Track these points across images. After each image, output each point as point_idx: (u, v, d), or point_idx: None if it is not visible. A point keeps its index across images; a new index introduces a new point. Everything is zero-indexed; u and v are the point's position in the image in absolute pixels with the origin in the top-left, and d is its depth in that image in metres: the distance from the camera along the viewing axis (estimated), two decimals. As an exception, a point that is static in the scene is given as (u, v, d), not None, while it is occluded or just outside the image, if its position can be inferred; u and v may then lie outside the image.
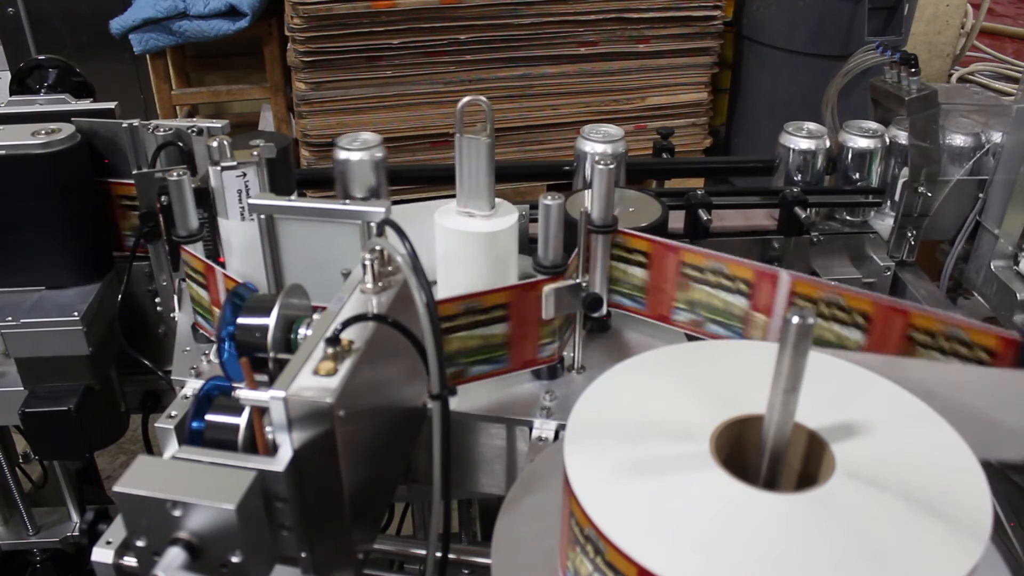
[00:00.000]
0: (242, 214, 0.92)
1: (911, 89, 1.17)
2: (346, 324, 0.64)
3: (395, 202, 0.86)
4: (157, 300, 1.14)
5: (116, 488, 0.56)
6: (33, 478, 1.43)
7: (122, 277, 1.14)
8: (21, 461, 1.37)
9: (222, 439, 0.64)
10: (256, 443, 0.64)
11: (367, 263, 0.68)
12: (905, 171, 1.18)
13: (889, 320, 0.81)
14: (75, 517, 1.33)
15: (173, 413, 0.88)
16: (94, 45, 2.86)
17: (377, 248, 0.69)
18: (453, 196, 0.89)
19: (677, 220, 1.12)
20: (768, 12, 2.55)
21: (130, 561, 0.76)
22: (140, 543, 0.57)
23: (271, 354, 0.67)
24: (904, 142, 1.22)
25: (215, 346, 0.95)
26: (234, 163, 0.90)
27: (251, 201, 0.84)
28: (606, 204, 0.90)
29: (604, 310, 0.95)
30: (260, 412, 0.63)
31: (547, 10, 2.34)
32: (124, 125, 1.12)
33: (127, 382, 1.25)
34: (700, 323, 0.92)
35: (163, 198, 0.99)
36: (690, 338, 0.95)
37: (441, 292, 0.88)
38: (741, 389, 0.65)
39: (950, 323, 0.78)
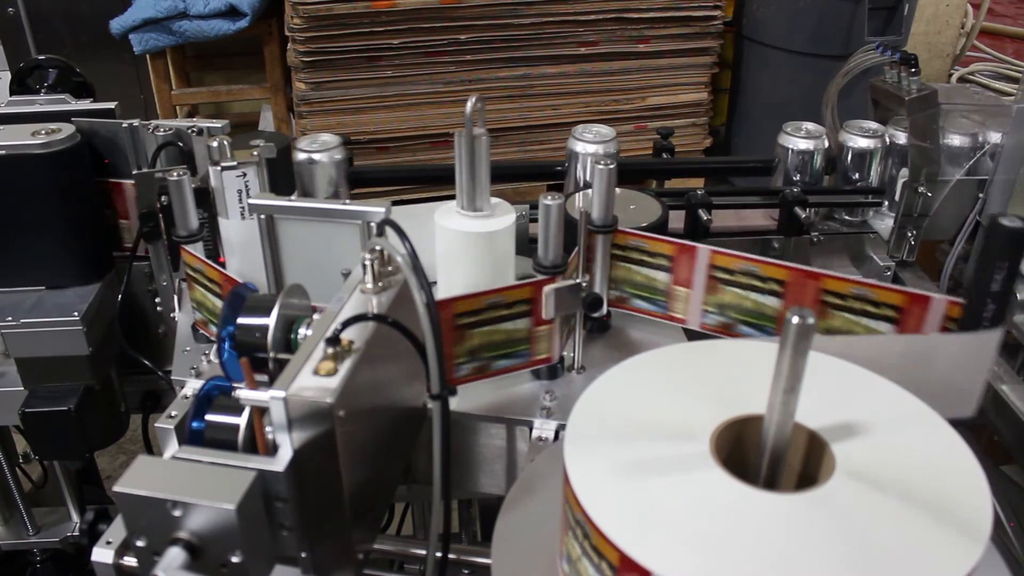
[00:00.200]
0: (242, 214, 0.92)
1: (911, 89, 1.17)
2: (346, 324, 0.64)
3: (395, 202, 0.86)
4: (157, 300, 1.14)
5: (116, 488, 0.56)
6: (33, 478, 1.43)
7: (122, 277, 1.14)
8: (21, 461, 1.37)
9: (222, 439, 0.64)
10: (256, 443, 0.64)
11: (367, 263, 0.68)
12: (905, 171, 1.18)
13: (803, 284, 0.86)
14: (75, 517, 1.33)
15: (173, 413, 0.88)
16: (94, 45, 2.86)
17: (377, 248, 0.69)
18: (453, 196, 0.89)
19: (677, 220, 1.12)
20: (768, 12, 2.55)
21: (130, 561, 0.76)
22: (140, 543, 0.57)
23: (271, 354, 0.67)
24: (903, 142, 1.22)
25: (215, 346, 0.95)
26: (234, 163, 0.90)
27: (251, 201, 0.84)
28: (606, 204, 0.90)
29: (604, 310, 0.95)
30: (260, 412, 0.63)
31: (547, 10, 2.34)
32: (124, 125, 1.12)
33: (127, 382, 1.25)
34: (731, 325, 0.92)
35: (163, 198, 0.99)
36: (690, 337, 0.95)
37: (441, 292, 0.88)
38: (741, 389, 0.65)
39: (858, 284, 0.83)
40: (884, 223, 1.24)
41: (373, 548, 0.72)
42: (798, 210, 1.14)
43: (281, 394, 0.59)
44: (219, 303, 0.93)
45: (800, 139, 1.22)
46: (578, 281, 0.86)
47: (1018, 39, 3.06)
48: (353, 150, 1.41)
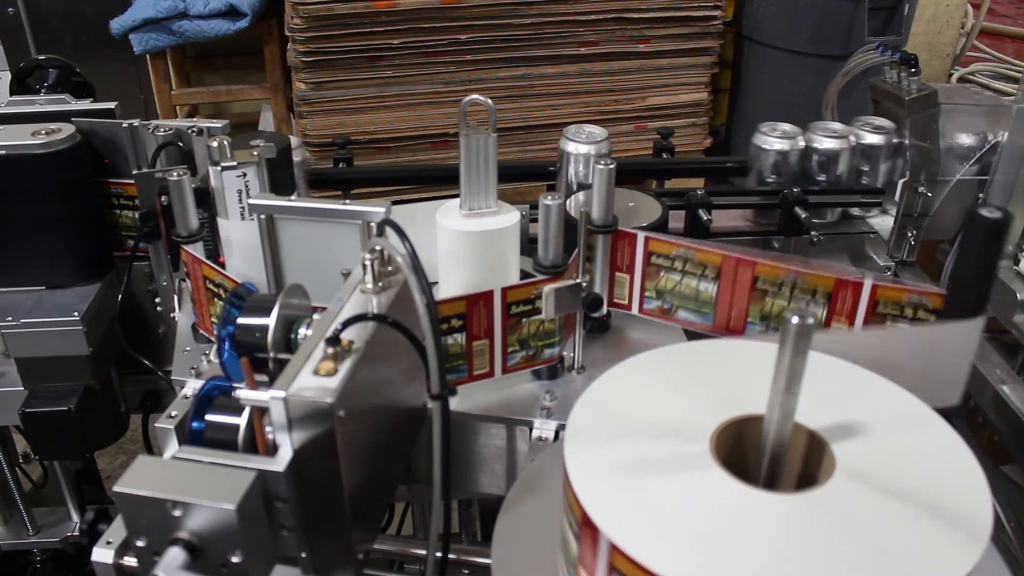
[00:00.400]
0: (242, 214, 0.92)
1: (911, 89, 1.18)
2: (346, 324, 0.64)
3: (395, 202, 0.86)
4: (157, 300, 1.14)
5: (116, 488, 0.56)
6: (33, 478, 1.43)
7: (122, 277, 1.14)
8: (21, 461, 1.37)
9: (222, 439, 0.64)
10: (256, 443, 0.64)
11: (367, 263, 0.68)
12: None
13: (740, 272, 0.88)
14: (75, 517, 1.33)
15: (173, 413, 0.88)
16: (94, 45, 2.86)
17: (377, 248, 0.69)
18: (454, 196, 0.89)
19: (677, 220, 1.12)
20: (768, 12, 2.55)
21: (130, 561, 0.77)
22: (140, 543, 0.57)
23: (271, 354, 0.67)
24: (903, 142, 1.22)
25: (215, 346, 0.95)
26: (234, 163, 0.90)
27: (251, 201, 0.84)
28: (606, 204, 0.90)
29: (604, 310, 0.95)
30: (260, 412, 0.63)
31: (547, 10, 2.34)
32: (124, 125, 1.12)
33: (127, 382, 1.25)
34: (670, 310, 0.94)
35: (163, 198, 0.99)
36: (690, 337, 0.95)
37: (442, 292, 0.89)
38: (741, 389, 0.65)
39: (791, 272, 0.86)
40: (884, 223, 1.24)
41: (373, 548, 0.72)
42: (798, 210, 1.14)
43: (281, 394, 0.59)
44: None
45: (776, 139, 1.22)
46: (578, 281, 0.86)
47: (1018, 39, 3.06)
48: (353, 150, 1.41)
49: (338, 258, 0.80)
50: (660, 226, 0.98)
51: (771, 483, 0.61)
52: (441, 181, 1.40)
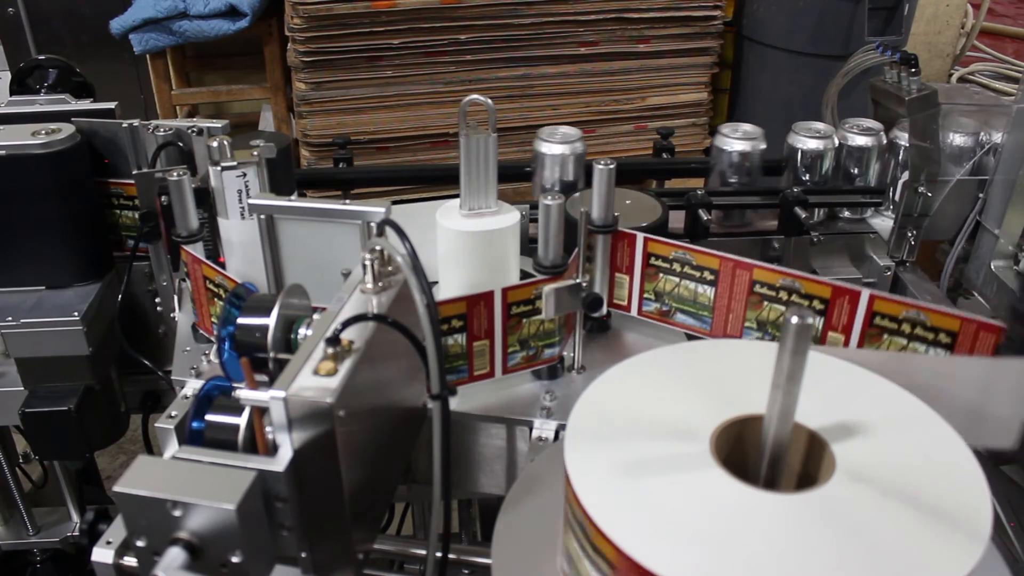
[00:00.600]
0: (242, 214, 0.92)
1: (911, 89, 1.17)
2: (346, 324, 0.64)
3: (395, 202, 0.86)
4: (157, 300, 1.14)
5: (116, 488, 0.56)
6: (33, 478, 1.43)
7: (122, 277, 1.14)
8: (21, 461, 1.37)
9: (222, 439, 0.64)
10: (256, 443, 0.64)
11: (367, 263, 0.68)
12: (906, 172, 1.18)
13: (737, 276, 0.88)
14: (75, 517, 1.33)
15: (173, 413, 0.88)
16: (94, 45, 2.86)
17: (377, 248, 0.69)
18: (454, 196, 0.89)
19: (677, 220, 1.12)
20: (768, 12, 2.55)
21: (130, 561, 0.77)
22: (140, 543, 0.57)
23: (271, 354, 0.67)
24: (904, 143, 1.22)
25: (215, 346, 0.95)
26: (234, 163, 0.90)
27: (251, 201, 0.84)
28: (606, 204, 0.90)
29: (604, 310, 0.95)
30: (260, 412, 0.63)
31: (547, 10, 2.34)
32: (124, 125, 1.12)
33: (127, 382, 1.25)
34: (669, 312, 0.94)
35: (163, 198, 0.99)
36: (690, 338, 0.95)
37: (442, 292, 0.89)
38: (741, 389, 0.65)
39: (786, 276, 0.86)
40: (884, 223, 1.24)
41: (373, 548, 0.72)
42: (798, 210, 1.14)
43: (281, 394, 0.59)
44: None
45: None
46: (578, 281, 0.86)
47: (1018, 39, 3.06)
48: (353, 150, 1.41)
49: (338, 258, 0.80)
50: (660, 226, 0.98)
51: (771, 483, 0.61)
52: (441, 181, 1.40)
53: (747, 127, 1.24)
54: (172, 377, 0.95)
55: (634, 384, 0.68)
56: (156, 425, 0.87)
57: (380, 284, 0.69)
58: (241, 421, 0.64)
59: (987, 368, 0.72)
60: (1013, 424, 0.69)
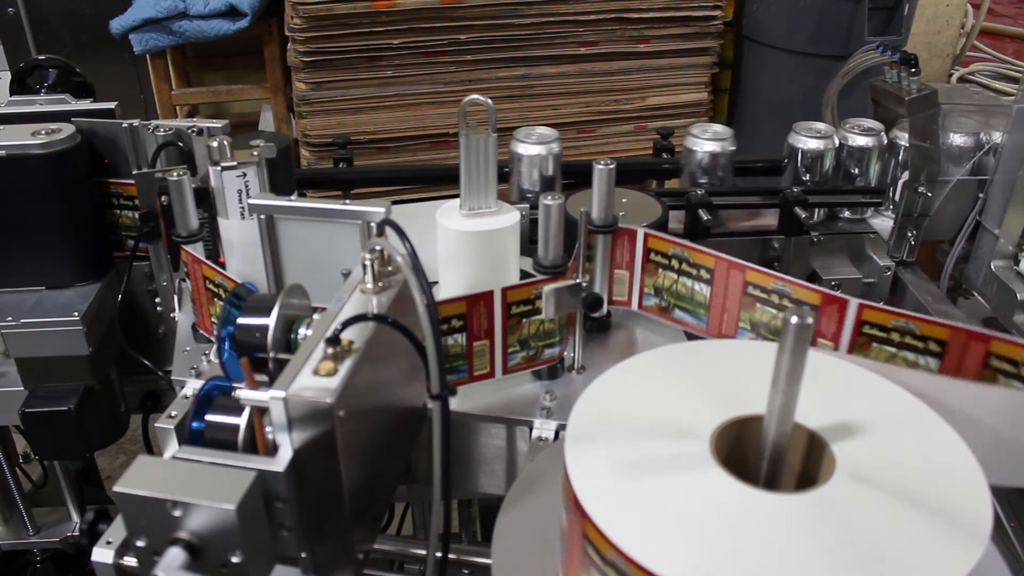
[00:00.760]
0: (242, 214, 0.92)
1: (911, 89, 1.17)
2: (346, 324, 0.64)
3: (395, 202, 0.86)
4: (157, 300, 1.14)
5: (116, 488, 0.56)
6: (33, 478, 1.43)
7: (122, 277, 1.14)
8: (21, 461, 1.37)
9: (222, 439, 0.64)
10: (256, 443, 0.64)
11: (367, 263, 0.68)
12: (906, 172, 1.18)
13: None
14: (75, 517, 1.33)
15: (173, 413, 0.88)
16: (94, 45, 2.86)
17: (377, 248, 0.69)
18: (454, 196, 0.89)
19: (677, 220, 1.12)
20: (768, 12, 2.55)
21: (130, 561, 0.76)
22: (140, 543, 0.57)
23: (271, 354, 0.67)
24: (905, 143, 1.22)
25: (215, 346, 0.95)
26: (234, 163, 0.90)
27: (251, 201, 0.84)
28: (606, 204, 0.90)
29: (604, 310, 0.95)
30: (260, 412, 0.63)
31: (547, 10, 2.34)
32: (124, 125, 1.12)
33: (127, 382, 1.25)
34: (667, 308, 0.94)
35: (163, 198, 0.99)
36: (688, 336, 0.96)
37: (442, 292, 0.89)
38: (741, 389, 0.65)
39: (777, 280, 0.86)
40: (884, 223, 1.24)
41: (373, 548, 0.72)
42: (798, 210, 1.14)
43: (281, 394, 0.59)
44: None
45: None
46: (578, 281, 0.86)
47: (1018, 39, 3.06)
48: (353, 150, 1.41)
49: (338, 258, 0.80)
50: (660, 226, 0.98)
51: (771, 483, 0.61)
52: (441, 181, 1.40)
53: (717, 127, 1.23)
54: (172, 377, 0.95)
55: (634, 384, 0.68)
56: (156, 425, 0.87)
57: (380, 284, 0.69)
58: (241, 421, 0.64)
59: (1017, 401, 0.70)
60: None
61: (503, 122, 2.53)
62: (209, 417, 0.66)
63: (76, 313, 1.09)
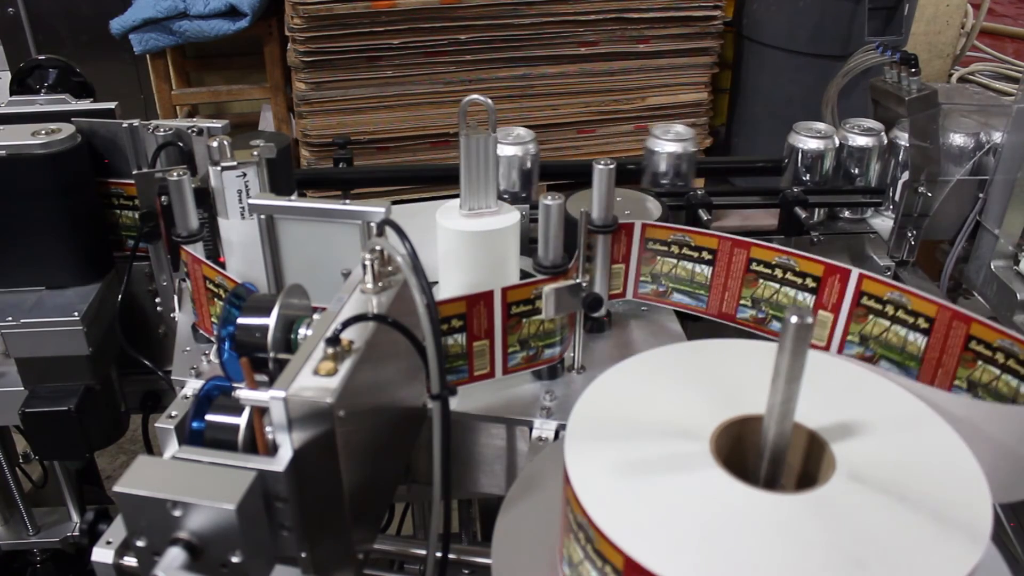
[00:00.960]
0: (242, 214, 0.92)
1: (911, 89, 1.17)
2: (346, 324, 0.64)
3: (395, 202, 0.86)
4: (157, 300, 1.14)
5: (116, 488, 0.56)
6: (33, 478, 1.43)
7: (122, 277, 1.14)
8: (21, 461, 1.37)
9: (222, 439, 0.64)
10: (256, 443, 0.64)
11: (367, 263, 0.68)
12: (906, 172, 1.18)
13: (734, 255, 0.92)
14: (75, 517, 1.33)
15: (173, 413, 0.88)
16: (94, 45, 2.86)
17: (377, 248, 0.69)
18: (454, 196, 0.89)
19: (677, 220, 1.12)
20: (768, 12, 2.55)
21: (130, 561, 0.77)
22: (140, 543, 0.57)
23: (271, 354, 0.67)
24: (905, 143, 1.22)
25: (215, 346, 0.95)
26: (234, 163, 0.90)
27: (251, 201, 0.84)
28: (606, 204, 0.90)
29: (604, 310, 0.95)
30: (260, 412, 0.63)
31: (547, 10, 2.34)
32: (124, 125, 1.12)
33: (127, 382, 1.25)
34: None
35: (163, 198, 0.99)
36: (684, 316, 0.96)
37: (442, 292, 0.89)
38: (741, 389, 0.65)
39: (781, 253, 0.90)
40: (884, 223, 1.24)
41: (373, 548, 0.72)
42: (798, 210, 1.14)
43: (281, 394, 0.59)
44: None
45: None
46: (578, 281, 0.86)
47: (1018, 39, 3.06)
48: (353, 150, 1.41)
49: (338, 258, 0.80)
50: (660, 226, 0.98)
51: (771, 483, 0.61)
52: (441, 181, 1.40)
53: (679, 128, 1.23)
54: (172, 377, 0.95)
55: (634, 384, 0.68)
56: (156, 425, 0.87)
57: (380, 284, 0.69)
58: (241, 421, 0.64)
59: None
60: None
61: (503, 122, 2.53)
62: (209, 417, 0.66)
63: (76, 313, 1.09)
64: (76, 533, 1.31)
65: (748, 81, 2.70)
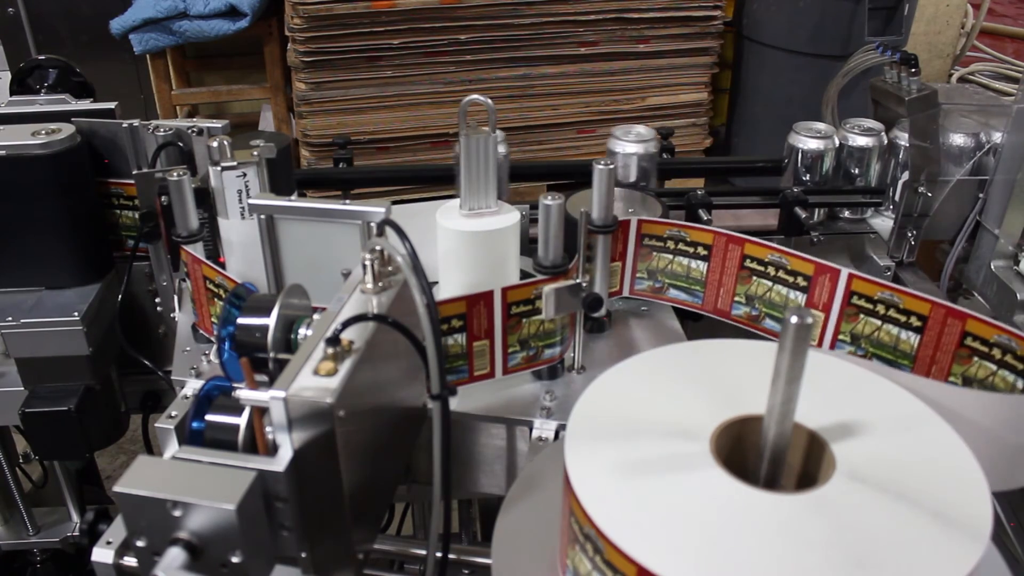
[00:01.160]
0: (242, 214, 0.92)
1: (911, 89, 1.17)
2: (346, 324, 0.64)
3: (395, 202, 0.86)
4: (157, 300, 1.14)
5: (116, 488, 0.56)
6: (33, 478, 1.43)
7: (122, 277, 1.14)
8: (21, 461, 1.37)
9: (222, 439, 0.64)
10: (256, 443, 0.64)
11: (367, 263, 0.68)
12: (906, 172, 1.18)
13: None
14: (75, 517, 1.33)
15: (173, 413, 0.88)
16: (94, 45, 2.86)
17: (377, 248, 0.69)
18: (454, 196, 0.89)
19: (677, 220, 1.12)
20: (768, 12, 2.55)
21: (130, 561, 0.77)
22: (140, 543, 0.57)
23: (271, 354, 0.67)
24: (905, 143, 1.22)
25: (215, 346, 0.95)
26: (234, 163, 0.90)
27: (251, 201, 0.84)
28: (606, 204, 0.90)
29: (604, 310, 0.95)
30: (260, 412, 0.63)
31: (547, 10, 2.34)
32: (124, 125, 1.12)
33: (127, 382, 1.25)
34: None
35: (163, 198, 0.99)
36: (681, 312, 0.96)
37: (442, 292, 0.89)
38: (741, 389, 0.65)
39: (774, 251, 0.90)
40: (884, 223, 1.24)
41: (373, 548, 0.72)
42: (798, 210, 1.14)
43: (281, 394, 0.59)
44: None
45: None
46: (578, 281, 0.86)
47: (1018, 39, 3.06)
48: (353, 150, 1.41)
49: (338, 258, 0.80)
50: (660, 226, 0.98)
51: (771, 483, 0.61)
52: (441, 181, 1.40)
53: (640, 129, 1.22)
54: (172, 377, 0.95)
55: (634, 384, 0.68)
56: (156, 425, 0.87)
57: (380, 284, 0.69)
58: (241, 421, 0.64)
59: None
60: None
61: (503, 122, 2.54)
62: (209, 417, 0.66)
63: (76, 313, 1.09)
64: (76, 533, 1.31)
65: (748, 81, 2.70)
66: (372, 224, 0.78)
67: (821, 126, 1.26)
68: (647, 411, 0.64)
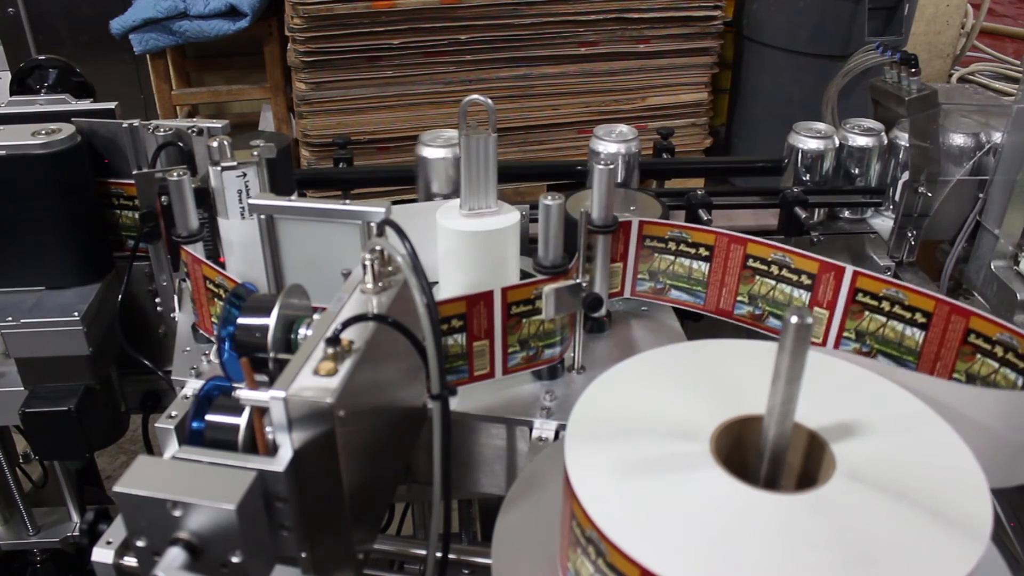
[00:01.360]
0: (242, 214, 0.92)
1: (911, 89, 1.17)
2: (346, 324, 0.64)
3: (395, 202, 0.86)
4: (157, 300, 1.14)
5: (116, 488, 0.56)
6: (33, 478, 1.43)
7: (122, 277, 1.14)
8: (21, 461, 1.37)
9: (222, 439, 0.64)
10: (256, 443, 0.64)
11: (367, 263, 0.68)
12: (906, 172, 1.18)
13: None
14: (75, 517, 1.33)
15: (173, 413, 0.88)
16: (94, 45, 2.86)
17: (377, 248, 0.69)
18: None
19: (677, 220, 1.12)
20: (768, 12, 2.55)
21: (130, 561, 0.77)
22: (140, 543, 0.57)
23: (271, 354, 0.67)
24: (905, 143, 1.22)
25: (215, 346, 0.95)
26: (234, 163, 0.90)
27: (251, 201, 0.84)
28: (606, 204, 0.90)
29: (604, 310, 0.95)
30: (260, 412, 0.63)
31: (547, 10, 2.34)
32: (124, 125, 1.12)
33: (127, 382, 1.25)
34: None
35: (163, 198, 0.99)
36: (684, 327, 0.96)
37: (442, 292, 0.89)
38: (741, 389, 0.65)
39: (777, 250, 0.90)
40: (884, 223, 1.24)
41: (373, 548, 0.72)
42: (798, 210, 1.14)
43: (281, 394, 0.59)
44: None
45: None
46: (578, 281, 0.86)
47: (1018, 39, 3.06)
48: (353, 150, 1.41)
49: (338, 258, 0.80)
50: (660, 226, 0.98)
51: (771, 483, 0.61)
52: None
53: (622, 128, 1.23)
54: (172, 377, 0.95)
55: (634, 384, 0.68)
56: (156, 425, 0.87)
57: (380, 284, 0.69)
58: (241, 421, 0.64)
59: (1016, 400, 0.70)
60: None
61: (503, 122, 2.55)
62: (209, 417, 0.66)
63: (76, 313, 1.09)
64: (76, 533, 1.32)
65: (748, 81, 2.70)
66: (372, 224, 0.78)
67: (821, 126, 1.26)
68: (647, 411, 0.64)
